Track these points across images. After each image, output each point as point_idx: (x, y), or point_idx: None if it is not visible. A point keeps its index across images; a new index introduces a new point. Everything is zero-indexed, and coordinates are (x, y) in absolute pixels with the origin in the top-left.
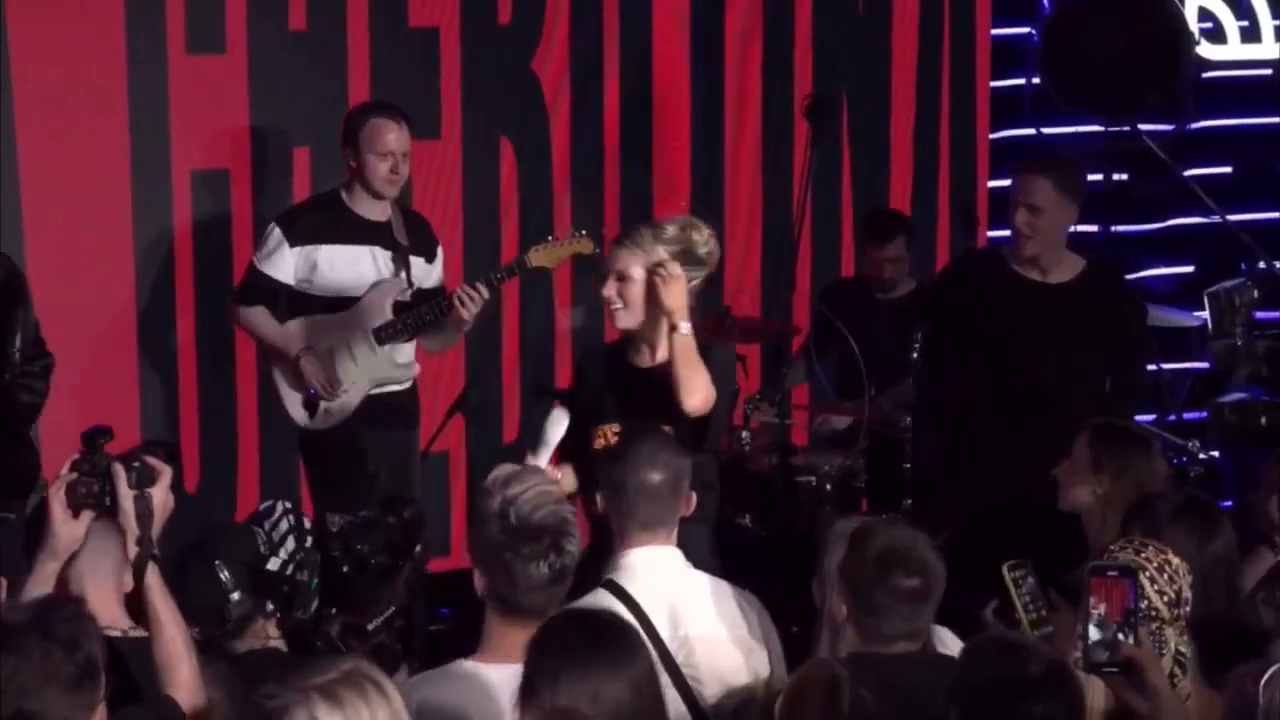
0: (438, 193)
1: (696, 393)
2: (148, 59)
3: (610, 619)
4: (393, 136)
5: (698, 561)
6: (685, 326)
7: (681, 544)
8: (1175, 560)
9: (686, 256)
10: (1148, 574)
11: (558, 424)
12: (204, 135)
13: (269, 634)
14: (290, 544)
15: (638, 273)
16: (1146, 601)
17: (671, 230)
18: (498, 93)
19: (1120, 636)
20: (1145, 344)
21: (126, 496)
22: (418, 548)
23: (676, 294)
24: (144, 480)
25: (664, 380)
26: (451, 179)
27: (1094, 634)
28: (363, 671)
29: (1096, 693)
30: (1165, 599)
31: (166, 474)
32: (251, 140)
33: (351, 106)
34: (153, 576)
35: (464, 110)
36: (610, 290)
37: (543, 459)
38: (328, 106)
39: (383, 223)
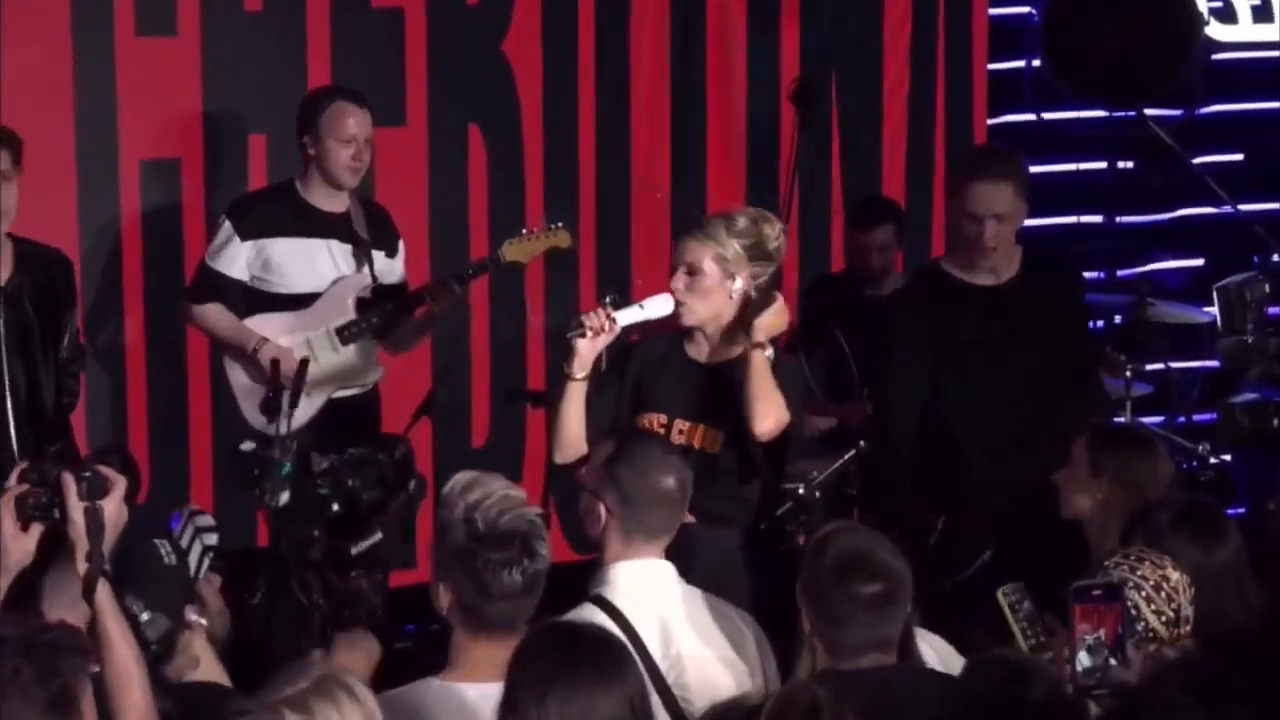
0: (402, 183)
1: (769, 417)
2: (94, 42)
3: (598, 632)
4: (354, 121)
5: (726, 576)
6: (770, 350)
7: (704, 549)
8: (1174, 575)
9: (757, 250)
10: (1144, 593)
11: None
12: (154, 122)
13: (198, 653)
14: (199, 546)
15: (709, 266)
16: (1144, 623)
17: (743, 222)
18: (466, 77)
19: (1113, 661)
20: (1088, 314)
21: (76, 508)
22: (411, 483)
23: (774, 318)
24: (95, 491)
25: (725, 378)
26: (417, 168)
27: (1085, 660)
28: (333, 679)
29: None
30: (1163, 619)
31: (120, 485)
32: (204, 127)
33: (310, 90)
34: (103, 594)
35: (430, 96)
36: (679, 283)
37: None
38: (285, 91)
39: (341, 214)
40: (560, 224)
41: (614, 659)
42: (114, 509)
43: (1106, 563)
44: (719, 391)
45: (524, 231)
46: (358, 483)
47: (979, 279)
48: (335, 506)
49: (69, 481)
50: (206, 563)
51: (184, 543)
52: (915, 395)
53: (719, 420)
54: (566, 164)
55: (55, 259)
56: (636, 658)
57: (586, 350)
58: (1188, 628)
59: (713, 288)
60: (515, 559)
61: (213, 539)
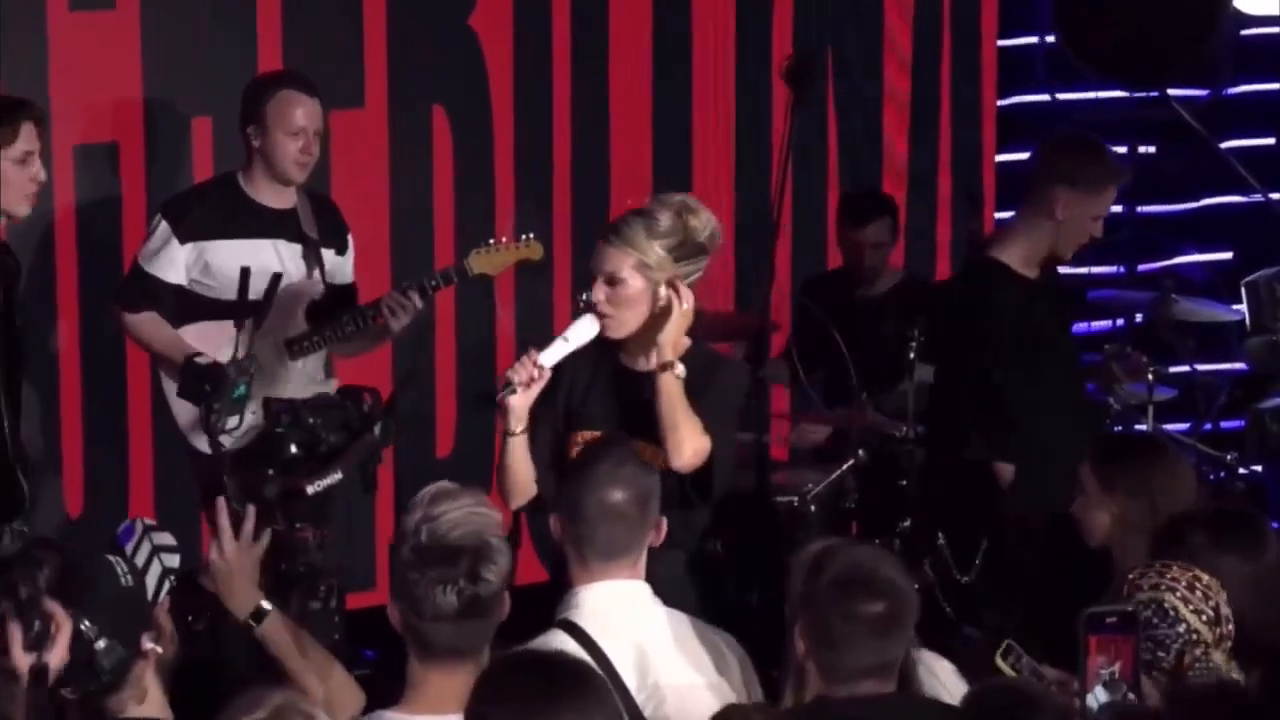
0: (360, 170)
1: (684, 446)
2: (24, 15)
3: (567, 660)
4: (303, 111)
5: (670, 595)
6: (679, 368)
7: (650, 574)
8: (1205, 576)
9: (685, 248)
10: (1179, 594)
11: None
12: (89, 104)
13: (147, 685)
14: (157, 567)
15: (630, 275)
16: (1185, 625)
17: (665, 221)
18: (430, 54)
19: (1131, 696)
20: None
21: (21, 657)
22: (377, 426)
23: (678, 328)
24: (40, 641)
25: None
26: (377, 154)
27: (1101, 695)
28: (292, 707)
29: None
30: (1204, 618)
31: (66, 629)
32: (145, 110)
33: (254, 76)
34: None
35: (391, 74)
36: (600, 294)
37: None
38: (233, 71)
39: (288, 211)
40: (532, 235)
41: (586, 688)
42: (59, 656)
43: (1130, 575)
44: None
45: (492, 242)
46: (319, 421)
47: (1032, 273)
48: (293, 447)
49: (14, 631)
50: (167, 586)
51: (139, 561)
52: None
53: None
54: (540, 148)
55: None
56: (610, 684)
57: (520, 404)
58: (1230, 627)
59: (637, 296)
60: (452, 578)
61: (174, 560)
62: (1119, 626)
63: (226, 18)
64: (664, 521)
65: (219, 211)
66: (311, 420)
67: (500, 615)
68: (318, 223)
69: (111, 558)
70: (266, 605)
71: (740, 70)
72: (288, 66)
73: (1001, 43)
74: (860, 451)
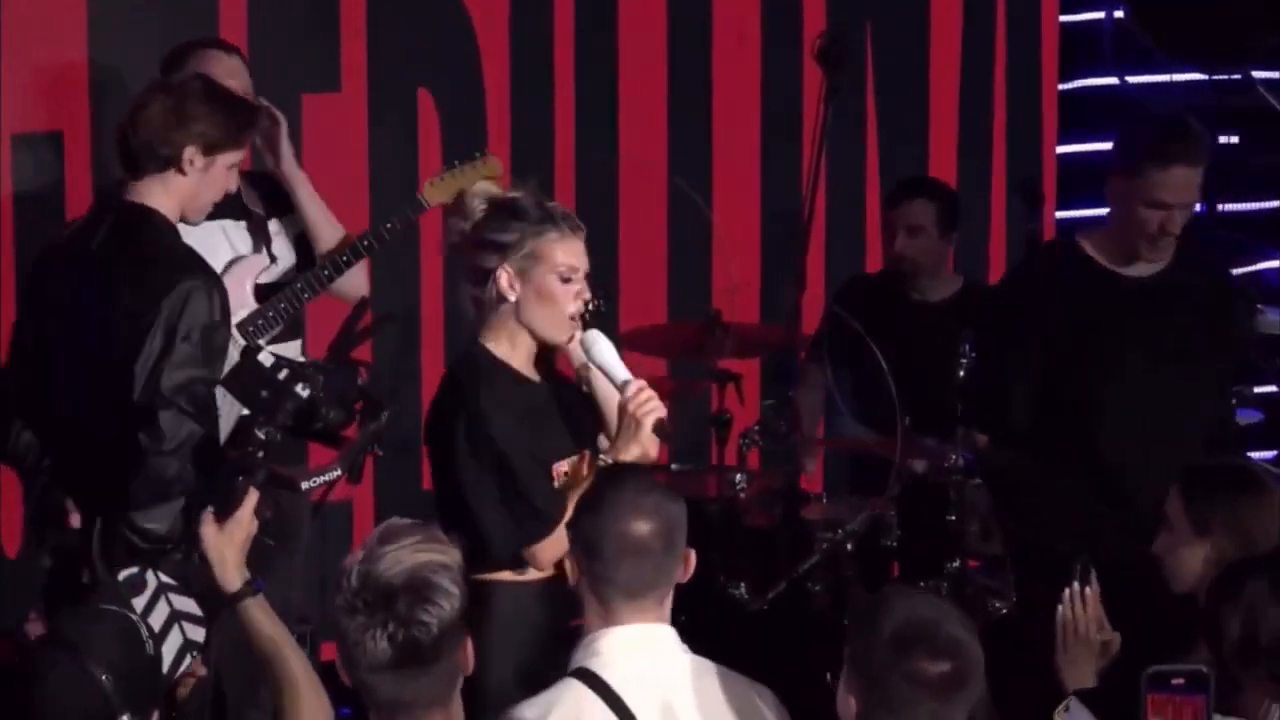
0: (338, 160)
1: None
2: None
3: None
4: (221, 72)
5: None
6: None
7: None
8: None
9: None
10: None
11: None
12: (31, 88)
13: None
14: (177, 637)
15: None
16: None
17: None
18: (415, 31)
19: None
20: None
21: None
22: (384, 414)
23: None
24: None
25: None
26: (355, 143)
27: None
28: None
29: None
30: None
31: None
32: (91, 95)
33: (167, 62)
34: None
35: (370, 54)
36: (585, 294)
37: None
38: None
39: (230, 191)
40: (486, 150)
41: None
42: None
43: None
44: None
45: (447, 168)
46: (317, 387)
47: (1131, 269)
48: (290, 412)
49: None
50: (187, 663)
51: (155, 626)
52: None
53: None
54: (540, 137)
55: None
56: None
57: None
58: None
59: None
60: (381, 622)
61: (198, 634)
62: (1186, 687)
63: None
64: (692, 554)
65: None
66: (309, 384)
67: (455, 663)
68: (259, 198)
69: (134, 617)
70: (254, 584)
71: (766, 51)
72: (253, 46)
73: (1064, 19)
74: (898, 482)
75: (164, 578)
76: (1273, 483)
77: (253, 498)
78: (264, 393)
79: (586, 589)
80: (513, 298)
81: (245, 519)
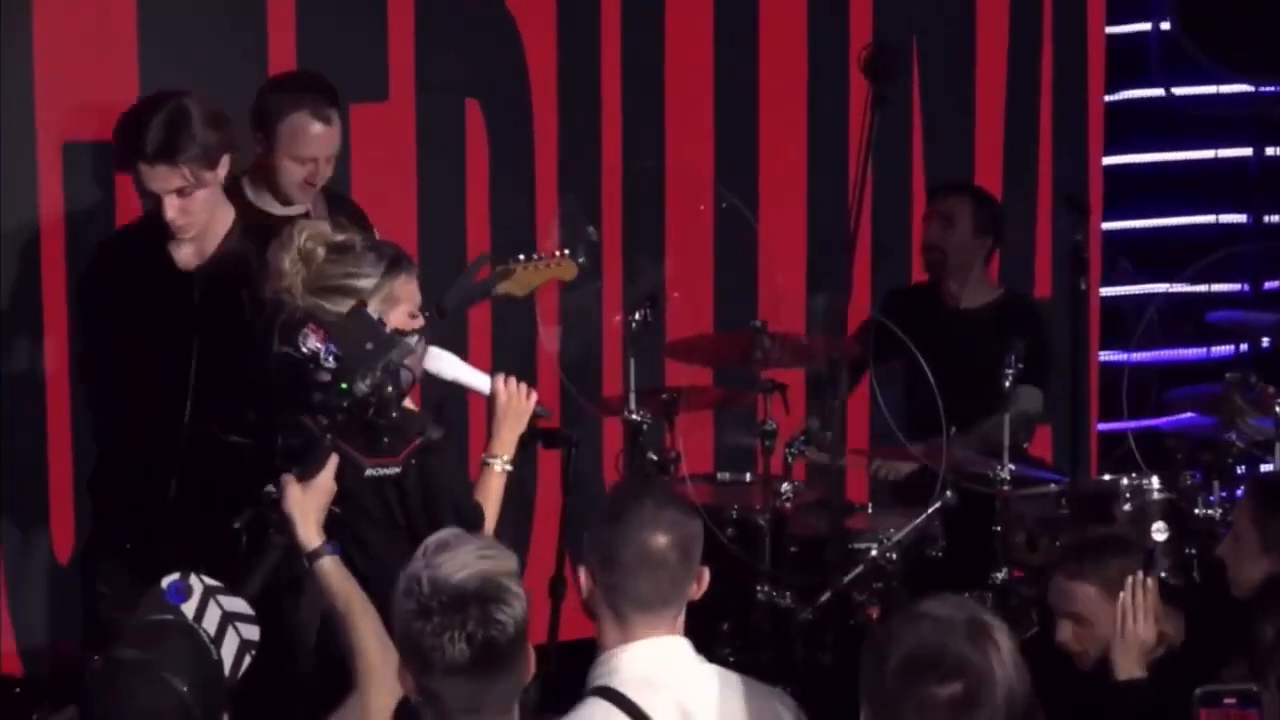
0: (386, 170)
1: None
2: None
3: None
4: (316, 140)
5: None
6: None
7: None
8: None
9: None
10: None
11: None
12: (81, 98)
13: None
14: (234, 637)
15: None
16: None
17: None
18: (463, 40)
19: None
20: None
21: None
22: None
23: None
24: None
25: None
26: (403, 153)
27: None
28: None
29: None
30: None
31: None
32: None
33: (271, 80)
34: None
35: (418, 64)
36: None
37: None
38: (241, 58)
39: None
40: (567, 251)
41: None
42: None
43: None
44: None
45: (523, 258)
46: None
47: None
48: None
49: None
50: (247, 662)
51: (210, 629)
52: None
53: None
54: (587, 147)
55: None
56: None
57: None
58: None
59: None
60: (459, 624)
61: (253, 633)
62: (1238, 706)
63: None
64: (705, 572)
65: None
66: (400, 349)
67: (523, 669)
68: (343, 215)
69: (193, 625)
70: (328, 546)
71: (813, 62)
72: (302, 56)
73: (1110, 30)
74: (948, 494)
75: (208, 581)
76: None
77: (333, 462)
78: (369, 344)
79: (601, 602)
80: None
81: (325, 481)
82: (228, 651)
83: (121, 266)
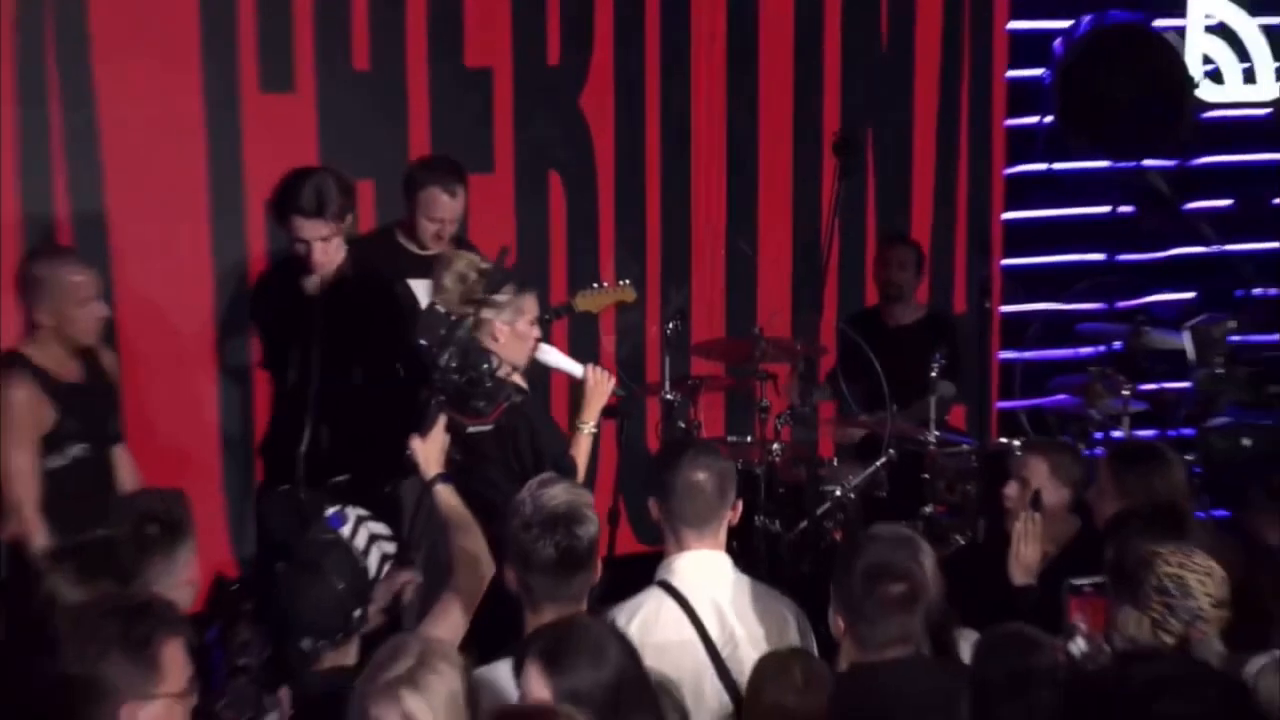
0: (491, 223)
1: None
2: (223, 97)
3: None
4: (444, 206)
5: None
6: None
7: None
8: (1216, 565)
9: (471, 295)
10: (1198, 577)
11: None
12: (277, 168)
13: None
14: (377, 552)
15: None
16: (1196, 603)
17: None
18: (548, 129)
19: (1104, 647)
20: None
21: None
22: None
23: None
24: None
25: None
26: (505, 211)
27: (1081, 644)
28: (434, 652)
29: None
30: (1211, 601)
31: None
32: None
33: (413, 160)
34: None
35: (516, 145)
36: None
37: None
38: (390, 142)
39: (434, 255)
40: (628, 281)
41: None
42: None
43: (1163, 550)
44: None
45: (595, 285)
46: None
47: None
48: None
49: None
50: (386, 567)
51: (359, 545)
52: None
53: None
54: (635, 206)
55: None
56: (696, 636)
57: None
58: (1225, 609)
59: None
60: (550, 533)
61: (391, 547)
62: (1095, 594)
63: (384, 99)
64: (740, 504)
65: (383, 256)
66: (463, 328)
67: (593, 572)
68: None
69: (346, 542)
70: (442, 477)
71: (797, 143)
72: (435, 142)
73: (1008, 122)
74: (891, 452)
75: (359, 512)
76: (1173, 454)
77: (442, 420)
78: (442, 330)
79: (664, 523)
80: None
81: (438, 433)
82: (372, 561)
83: (272, 291)
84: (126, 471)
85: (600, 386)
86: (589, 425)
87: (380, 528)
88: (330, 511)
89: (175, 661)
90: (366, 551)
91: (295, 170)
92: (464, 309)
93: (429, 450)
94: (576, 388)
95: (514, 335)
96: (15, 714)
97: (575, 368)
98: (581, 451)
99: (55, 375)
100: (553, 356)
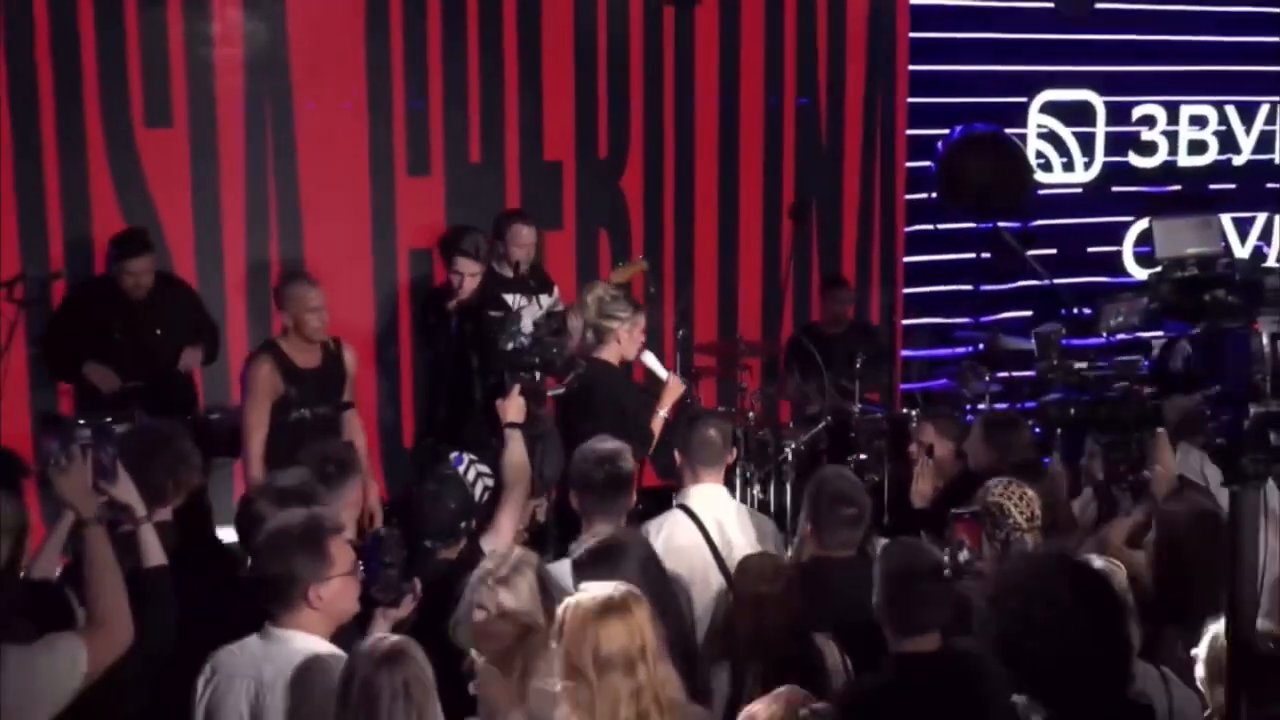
0: (560, 268)
1: None
2: (381, 177)
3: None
4: (524, 232)
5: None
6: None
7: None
8: (1030, 492)
9: (604, 310)
10: (1012, 502)
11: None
12: (418, 226)
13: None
14: (481, 485)
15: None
16: (1012, 519)
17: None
18: (598, 200)
19: (975, 560)
20: None
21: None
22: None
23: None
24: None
25: None
26: (569, 259)
27: (962, 555)
28: (520, 559)
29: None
30: (1024, 516)
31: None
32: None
33: (503, 211)
34: None
35: (578, 212)
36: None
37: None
38: (495, 207)
39: (521, 277)
40: (642, 256)
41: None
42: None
43: (989, 483)
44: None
45: (620, 263)
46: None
47: None
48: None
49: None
50: (486, 495)
51: (470, 478)
52: None
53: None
54: (656, 252)
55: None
56: (703, 542)
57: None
58: (1038, 521)
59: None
60: (600, 465)
61: (491, 481)
62: (972, 520)
63: (489, 180)
64: (734, 451)
65: (491, 281)
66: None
67: (630, 496)
68: (535, 280)
69: (459, 477)
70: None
71: (766, 209)
72: (525, 202)
73: (908, 196)
74: (828, 418)
75: (471, 456)
76: (1024, 422)
77: (517, 388)
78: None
79: (684, 466)
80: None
81: (515, 397)
82: (478, 489)
83: (432, 311)
84: (353, 430)
85: (676, 388)
86: (663, 411)
87: (484, 468)
88: (454, 455)
89: (340, 552)
90: (474, 483)
91: (455, 226)
92: (600, 320)
93: (507, 407)
94: (654, 382)
95: (630, 339)
96: (236, 605)
97: (663, 371)
98: (655, 426)
99: (293, 360)
100: (650, 359)
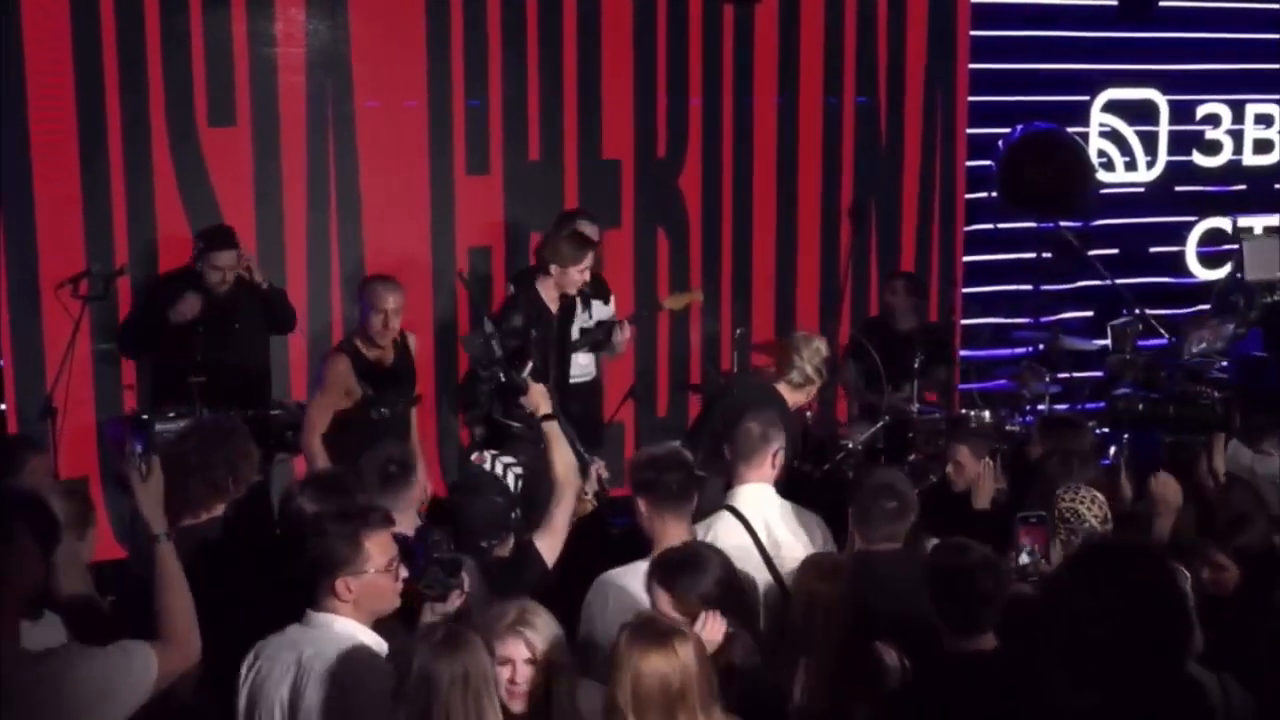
0: (618, 266)
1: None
2: (441, 175)
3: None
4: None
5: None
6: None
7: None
8: (1098, 495)
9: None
10: (1085, 505)
11: None
12: (477, 224)
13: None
14: (512, 476)
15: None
16: (1087, 523)
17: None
18: (656, 200)
19: (1043, 562)
20: None
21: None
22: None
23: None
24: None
25: None
26: (627, 257)
27: (1025, 559)
28: (528, 610)
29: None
30: (1098, 518)
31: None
32: (505, 228)
33: (557, 221)
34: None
35: (636, 211)
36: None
37: None
38: (553, 208)
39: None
40: (698, 287)
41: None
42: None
43: (1059, 491)
44: None
45: (676, 292)
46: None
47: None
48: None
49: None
50: (519, 485)
51: (499, 472)
52: None
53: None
54: (714, 251)
55: None
56: (751, 542)
57: None
58: (1109, 525)
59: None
60: (671, 471)
61: (520, 470)
62: (1038, 524)
63: (548, 180)
64: (782, 452)
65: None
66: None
67: (693, 501)
68: (593, 287)
69: (492, 473)
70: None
71: (824, 210)
72: (581, 205)
73: (968, 196)
74: (886, 418)
75: (491, 451)
76: (1083, 423)
77: (530, 381)
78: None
79: (732, 461)
80: None
81: (535, 390)
82: (510, 480)
83: (519, 307)
84: (415, 424)
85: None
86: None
87: (509, 459)
88: (474, 456)
89: (379, 548)
90: (504, 475)
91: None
92: (810, 371)
93: (535, 402)
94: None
95: (800, 396)
96: (287, 599)
97: None
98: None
99: (369, 358)
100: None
